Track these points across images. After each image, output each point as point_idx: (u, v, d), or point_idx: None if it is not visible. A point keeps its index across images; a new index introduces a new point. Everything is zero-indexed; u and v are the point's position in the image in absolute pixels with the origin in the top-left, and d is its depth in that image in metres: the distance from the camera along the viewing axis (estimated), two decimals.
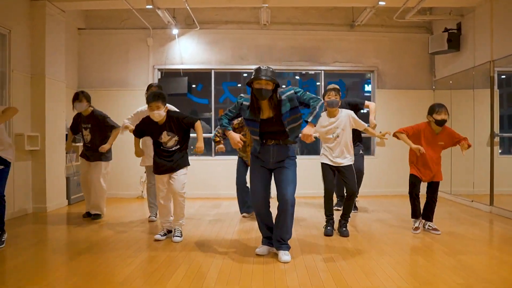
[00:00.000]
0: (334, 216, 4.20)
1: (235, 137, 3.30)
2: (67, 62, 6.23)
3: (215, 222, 4.80)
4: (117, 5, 5.79)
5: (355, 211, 5.27)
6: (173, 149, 3.81)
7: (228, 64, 6.91)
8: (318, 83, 7.15)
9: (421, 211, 4.28)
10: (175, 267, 3.08)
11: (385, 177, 6.90)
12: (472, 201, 5.80)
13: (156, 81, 6.81)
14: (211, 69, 6.91)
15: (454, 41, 6.04)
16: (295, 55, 6.94)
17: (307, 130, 3.10)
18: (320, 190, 4.35)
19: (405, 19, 6.18)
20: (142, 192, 6.62)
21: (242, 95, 3.38)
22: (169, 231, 3.99)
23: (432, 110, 4.11)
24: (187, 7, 5.80)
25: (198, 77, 7.18)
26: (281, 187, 3.26)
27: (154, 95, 3.72)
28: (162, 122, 3.78)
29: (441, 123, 4.04)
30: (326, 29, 6.94)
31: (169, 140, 3.80)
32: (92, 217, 4.85)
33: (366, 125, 4.30)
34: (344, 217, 4.14)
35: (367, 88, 7.58)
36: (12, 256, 3.39)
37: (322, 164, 4.14)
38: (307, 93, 3.23)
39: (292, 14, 6.93)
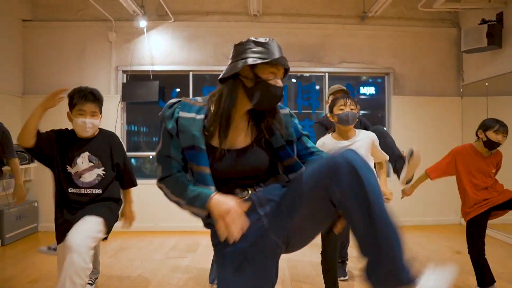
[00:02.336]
0: None
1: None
2: (6, 61, 4.96)
3: (187, 280, 3.46)
4: None
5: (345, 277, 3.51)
6: (92, 192, 2.39)
7: (209, 65, 5.61)
8: (317, 87, 5.91)
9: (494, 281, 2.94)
10: None
11: (403, 203, 5.62)
12: None
13: (120, 85, 5.52)
14: (189, 70, 5.63)
15: (496, 35, 4.78)
16: (293, 54, 5.65)
17: None
18: None
19: (432, 8, 4.92)
20: None
21: (174, 100, 1.58)
22: None
23: (487, 125, 2.96)
24: None
25: (173, 80, 5.88)
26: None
27: (92, 92, 2.43)
28: (88, 137, 2.46)
29: (491, 145, 2.96)
30: (331, 22, 5.68)
31: (85, 171, 2.39)
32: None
33: (387, 158, 2.85)
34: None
35: (362, 90, 6.32)
36: None
37: None
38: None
39: (289, 3, 5.67)
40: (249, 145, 1.56)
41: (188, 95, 5.61)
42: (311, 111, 5.88)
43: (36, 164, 5.26)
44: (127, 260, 4.03)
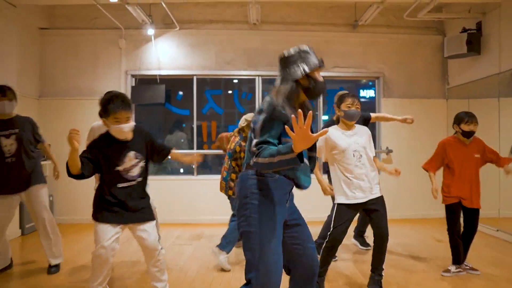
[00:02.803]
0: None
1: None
2: (25, 67, 5.37)
3: (194, 260, 3.88)
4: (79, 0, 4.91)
5: (368, 247, 4.32)
6: (136, 181, 2.68)
7: (212, 70, 6.00)
8: None
9: (463, 260, 3.46)
10: None
11: (392, 198, 6.01)
12: (498, 230, 4.93)
13: (129, 88, 5.92)
14: (193, 75, 6.00)
15: (475, 43, 5.19)
16: None
17: None
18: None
19: (417, 17, 5.33)
20: None
21: (269, 98, 2.00)
22: None
23: (460, 119, 3.49)
24: (162, 3, 4.93)
25: (178, 84, 6.27)
26: (310, 251, 2.09)
27: (123, 100, 2.57)
28: (127, 139, 2.67)
29: (468, 134, 3.44)
30: (325, 30, 6.08)
31: (133, 166, 2.67)
32: (50, 270, 3.55)
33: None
34: (377, 271, 3.05)
35: (362, 93, 6.71)
36: None
37: (338, 206, 3.00)
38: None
39: (286, 12, 6.07)
40: None
41: (192, 98, 6.01)
42: None
43: (50, 162, 5.66)
44: (137, 246, 4.42)
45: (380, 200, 3.01)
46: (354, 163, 2.96)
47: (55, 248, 3.59)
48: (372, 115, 4.10)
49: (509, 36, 4.76)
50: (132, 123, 2.62)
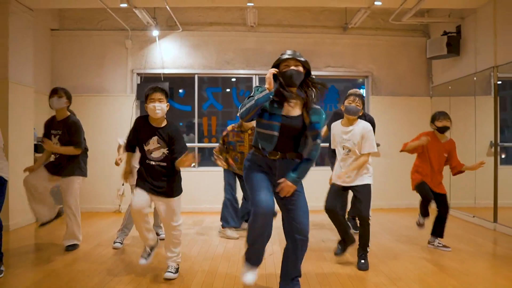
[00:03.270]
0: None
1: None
2: (38, 65, 5.75)
3: (195, 242, 4.32)
4: (90, 3, 5.32)
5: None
6: (158, 163, 3.10)
7: (212, 69, 6.44)
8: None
9: (429, 213, 4.15)
10: None
11: (380, 189, 6.46)
12: (474, 216, 5.40)
13: (135, 86, 6.34)
14: (195, 73, 6.44)
15: (454, 45, 5.65)
16: None
17: (291, 184, 2.57)
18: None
19: (401, 21, 5.79)
20: (120, 206, 6.13)
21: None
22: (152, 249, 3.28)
23: (433, 117, 4.14)
24: (167, 6, 5.35)
25: (180, 82, 6.70)
26: (297, 216, 2.63)
27: (157, 86, 3.14)
28: (158, 124, 3.10)
29: (442, 130, 4.04)
30: (318, 32, 6.53)
31: (156, 149, 3.09)
32: (67, 248, 4.02)
33: (373, 150, 3.49)
34: (362, 248, 3.49)
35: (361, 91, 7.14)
36: None
37: (332, 184, 3.63)
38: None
39: (281, 15, 6.51)
40: (299, 115, 2.63)
41: (194, 95, 6.45)
42: None
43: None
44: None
45: (363, 188, 3.47)
46: (342, 156, 3.53)
47: (75, 229, 4.05)
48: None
49: (484, 39, 5.21)
50: (163, 105, 3.06)
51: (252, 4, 5.23)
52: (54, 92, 3.95)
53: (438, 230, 4.07)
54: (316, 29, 6.54)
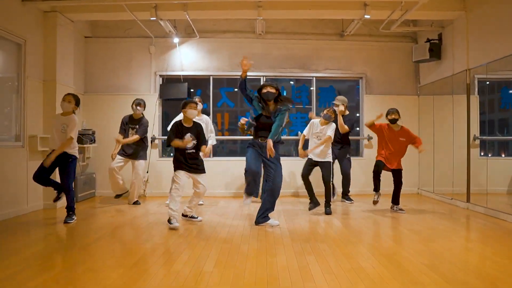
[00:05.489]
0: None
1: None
2: (74, 68, 6.64)
3: (213, 216, 5.24)
4: (123, 16, 6.20)
5: (351, 202, 6.42)
6: (190, 150, 4.61)
7: (225, 71, 7.34)
8: (311, 88, 7.59)
9: (380, 188, 5.59)
10: (179, 251, 3.51)
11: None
12: (452, 198, 6.26)
13: (158, 86, 7.24)
14: (210, 75, 7.35)
15: (435, 50, 6.51)
16: (288, 63, 7.40)
17: (270, 141, 4.37)
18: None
19: (390, 30, 6.65)
20: (144, 191, 7.03)
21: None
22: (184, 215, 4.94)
23: (387, 113, 5.58)
24: (188, 18, 6.24)
25: (197, 83, 7.60)
26: (275, 177, 4.57)
27: (188, 100, 4.74)
28: (189, 125, 4.66)
29: (392, 121, 5.48)
30: (317, 39, 7.41)
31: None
32: (136, 202, 6.19)
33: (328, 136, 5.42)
34: (327, 201, 5.41)
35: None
36: (35, 243, 3.81)
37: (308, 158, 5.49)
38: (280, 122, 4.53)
39: (286, 24, 7.39)
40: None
41: (209, 94, 7.36)
42: (302, 106, 7.60)
43: (96, 144, 6.98)
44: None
45: (325, 163, 5.36)
46: (315, 142, 5.43)
47: (135, 193, 6.16)
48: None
49: (460, 45, 6.07)
50: (195, 111, 4.68)
51: (262, 17, 6.11)
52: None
53: (395, 198, 5.54)
54: (316, 36, 7.42)
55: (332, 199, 5.68)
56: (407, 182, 6.97)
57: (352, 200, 6.40)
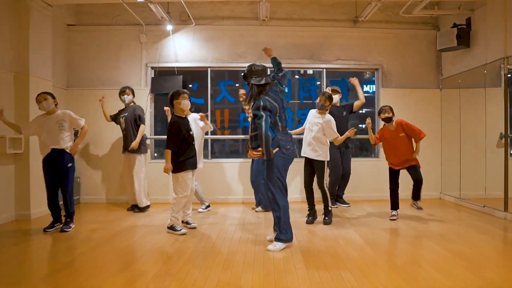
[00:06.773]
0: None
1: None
2: (55, 59, 5.89)
3: (213, 227, 4.47)
4: None
5: (348, 205, 5.96)
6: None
7: (225, 62, 6.55)
8: (318, 82, 6.82)
9: (398, 206, 5.10)
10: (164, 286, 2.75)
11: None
12: (484, 206, 5.47)
13: (149, 80, 6.48)
14: (207, 67, 6.56)
15: (464, 37, 5.71)
16: (295, 53, 6.60)
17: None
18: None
19: (412, 14, 5.86)
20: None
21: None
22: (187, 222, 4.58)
23: (378, 112, 5.09)
24: (182, 0, 5.46)
25: (194, 75, 6.82)
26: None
27: (179, 90, 4.42)
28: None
29: (385, 120, 5.00)
30: (328, 25, 6.61)
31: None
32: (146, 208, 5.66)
33: (335, 137, 4.70)
34: (325, 206, 4.82)
35: (365, 88, 7.20)
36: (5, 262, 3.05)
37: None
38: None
39: (292, 9, 6.60)
40: None
41: (207, 88, 6.57)
42: (311, 101, 6.80)
43: (80, 146, 6.20)
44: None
45: (317, 162, 4.67)
46: (306, 133, 4.81)
47: (140, 196, 5.55)
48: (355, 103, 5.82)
49: (494, 30, 5.27)
50: (189, 102, 4.40)
51: None
52: (124, 91, 5.70)
53: (415, 194, 4.94)
54: (326, 23, 6.62)
55: (331, 206, 4.90)
56: (427, 186, 6.23)
57: (349, 204, 5.98)
